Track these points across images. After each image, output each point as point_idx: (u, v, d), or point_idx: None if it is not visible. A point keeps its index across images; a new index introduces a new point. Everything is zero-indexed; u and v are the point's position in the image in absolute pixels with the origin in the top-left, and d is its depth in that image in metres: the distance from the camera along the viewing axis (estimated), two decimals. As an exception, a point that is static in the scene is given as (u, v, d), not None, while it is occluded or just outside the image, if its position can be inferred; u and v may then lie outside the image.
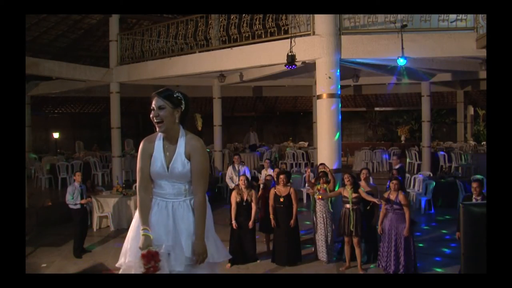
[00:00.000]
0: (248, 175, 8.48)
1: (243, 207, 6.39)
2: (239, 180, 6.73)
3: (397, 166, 8.85)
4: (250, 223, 6.37)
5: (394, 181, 5.86)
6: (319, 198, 6.40)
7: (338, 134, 7.53)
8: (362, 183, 6.49)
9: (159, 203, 2.82)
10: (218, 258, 2.91)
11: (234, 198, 6.46)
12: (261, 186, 7.25)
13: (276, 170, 7.92)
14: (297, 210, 6.41)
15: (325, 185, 6.49)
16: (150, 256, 2.57)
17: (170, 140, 2.82)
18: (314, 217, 6.62)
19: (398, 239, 5.70)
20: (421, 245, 7.07)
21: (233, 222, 6.37)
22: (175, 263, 2.71)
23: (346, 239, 6.10)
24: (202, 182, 2.79)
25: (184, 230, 2.75)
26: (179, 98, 2.79)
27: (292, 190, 6.41)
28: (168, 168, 2.78)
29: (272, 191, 6.45)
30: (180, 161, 2.76)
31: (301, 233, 6.99)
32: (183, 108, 2.80)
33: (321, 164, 7.03)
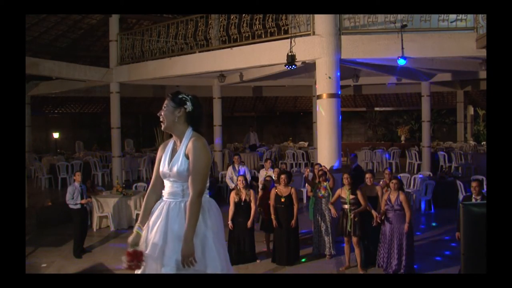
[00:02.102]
0: (248, 175, 8.46)
1: (242, 207, 6.37)
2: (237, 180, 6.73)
3: (353, 166, 8.69)
4: (249, 222, 6.34)
5: (394, 181, 5.82)
6: (323, 192, 6.48)
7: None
8: (368, 187, 6.40)
9: (161, 202, 2.87)
10: (214, 270, 2.75)
11: (232, 198, 6.46)
12: (261, 186, 7.24)
13: (276, 170, 7.90)
14: (297, 210, 6.41)
15: (325, 183, 6.54)
16: (134, 255, 2.69)
17: (178, 141, 2.86)
18: (314, 216, 6.64)
19: (398, 239, 5.69)
20: (421, 245, 7.06)
21: (229, 222, 6.35)
22: (164, 264, 2.70)
23: (345, 239, 6.10)
24: (196, 182, 2.70)
25: (176, 232, 2.72)
26: (183, 98, 2.83)
27: (293, 190, 6.41)
28: (169, 167, 2.80)
29: (273, 191, 6.44)
30: (179, 160, 2.77)
31: (300, 233, 7.00)
32: (187, 109, 2.81)
33: (316, 164, 7.05)
